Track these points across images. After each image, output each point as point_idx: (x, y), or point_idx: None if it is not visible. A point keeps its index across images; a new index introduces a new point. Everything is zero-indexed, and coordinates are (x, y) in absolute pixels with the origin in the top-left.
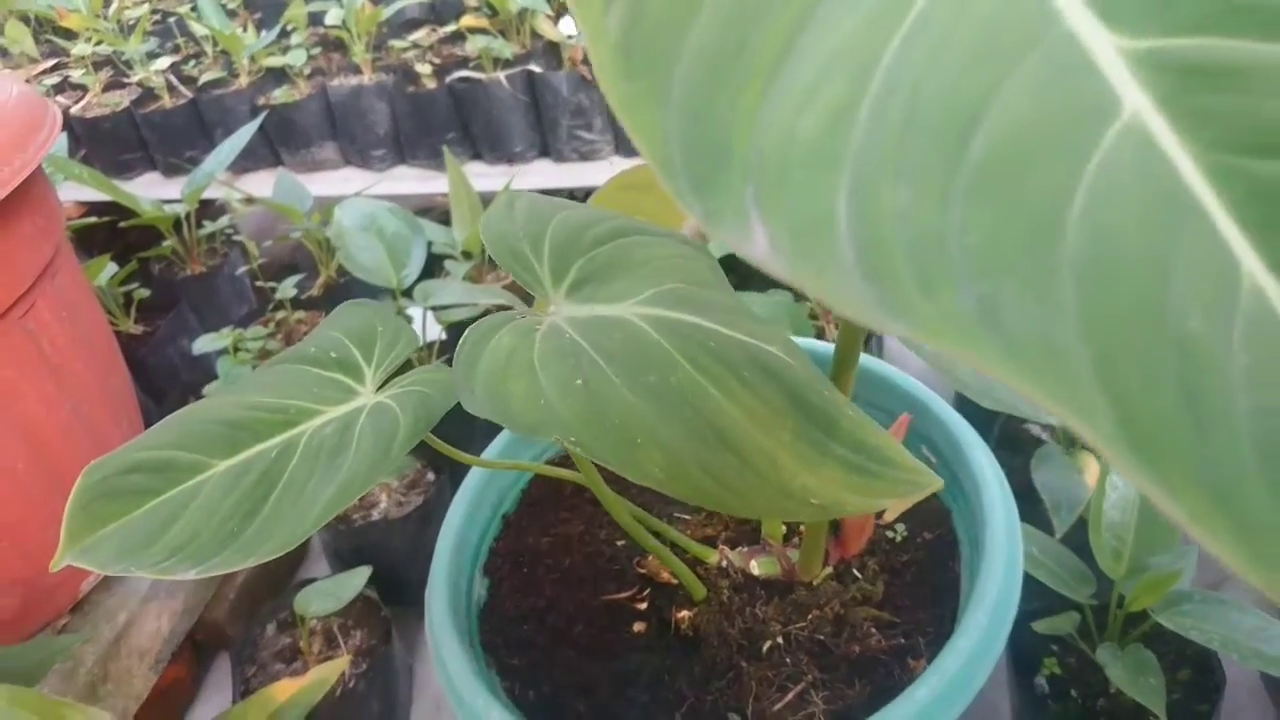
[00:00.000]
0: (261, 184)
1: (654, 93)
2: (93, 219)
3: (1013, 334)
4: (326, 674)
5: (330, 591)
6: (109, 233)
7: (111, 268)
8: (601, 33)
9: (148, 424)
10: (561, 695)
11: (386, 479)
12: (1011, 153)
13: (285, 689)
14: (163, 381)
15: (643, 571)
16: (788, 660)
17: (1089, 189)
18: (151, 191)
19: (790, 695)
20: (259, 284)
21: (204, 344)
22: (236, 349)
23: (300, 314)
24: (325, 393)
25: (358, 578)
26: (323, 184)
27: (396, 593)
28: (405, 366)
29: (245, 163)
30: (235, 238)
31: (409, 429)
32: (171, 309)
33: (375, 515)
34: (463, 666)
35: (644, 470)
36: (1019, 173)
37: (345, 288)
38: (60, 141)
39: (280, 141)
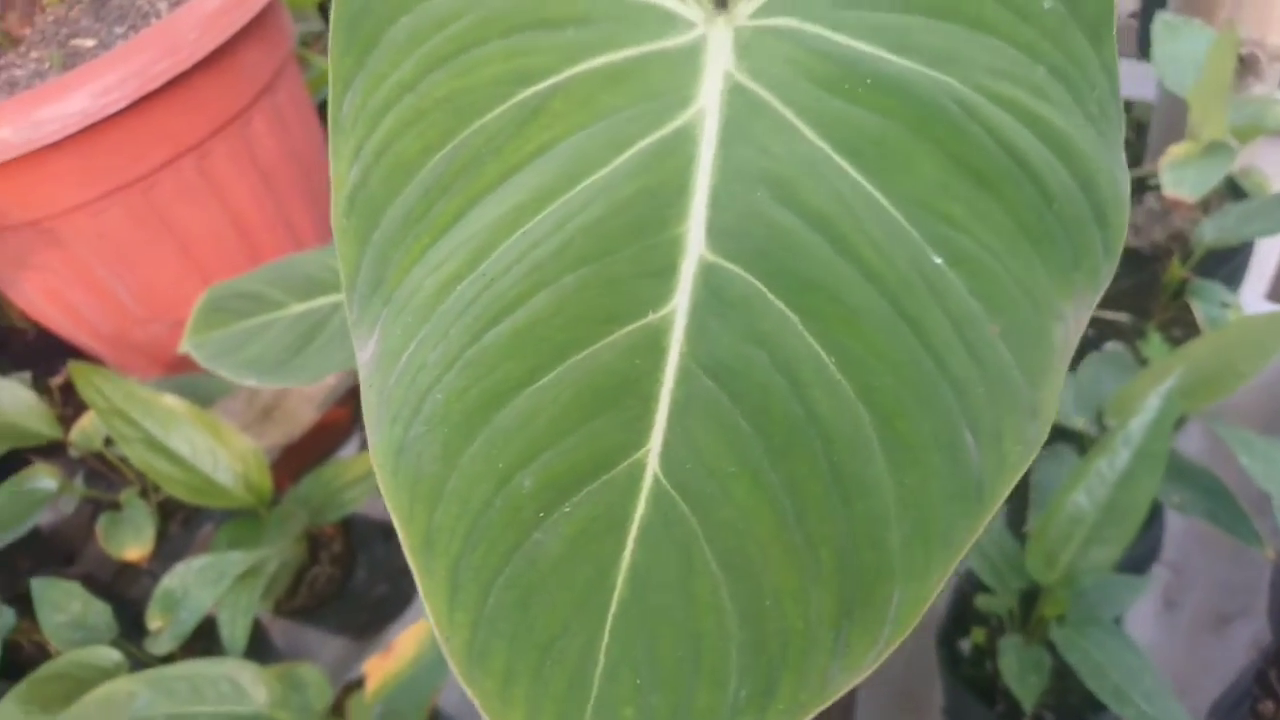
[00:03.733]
0: None
1: (361, 232)
2: None
3: (399, 464)
4: None
5: None
6: None
7: None
8: (343, 181)
9: None
10: None
11: None
12: (510, 343)
13: None
14: None
15: None
16: None
17: (560, 372)
18: None
19: None
20: None
21: None
22: None
23: None
24: None
25: None
26: None
27: None
28: None
29: None
30: None
31: None
32: None
33: None
34: None
35: None
36: (503, 356)
37: None
38: None
39: None
